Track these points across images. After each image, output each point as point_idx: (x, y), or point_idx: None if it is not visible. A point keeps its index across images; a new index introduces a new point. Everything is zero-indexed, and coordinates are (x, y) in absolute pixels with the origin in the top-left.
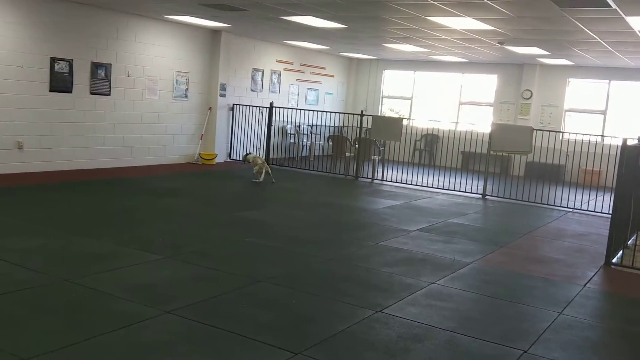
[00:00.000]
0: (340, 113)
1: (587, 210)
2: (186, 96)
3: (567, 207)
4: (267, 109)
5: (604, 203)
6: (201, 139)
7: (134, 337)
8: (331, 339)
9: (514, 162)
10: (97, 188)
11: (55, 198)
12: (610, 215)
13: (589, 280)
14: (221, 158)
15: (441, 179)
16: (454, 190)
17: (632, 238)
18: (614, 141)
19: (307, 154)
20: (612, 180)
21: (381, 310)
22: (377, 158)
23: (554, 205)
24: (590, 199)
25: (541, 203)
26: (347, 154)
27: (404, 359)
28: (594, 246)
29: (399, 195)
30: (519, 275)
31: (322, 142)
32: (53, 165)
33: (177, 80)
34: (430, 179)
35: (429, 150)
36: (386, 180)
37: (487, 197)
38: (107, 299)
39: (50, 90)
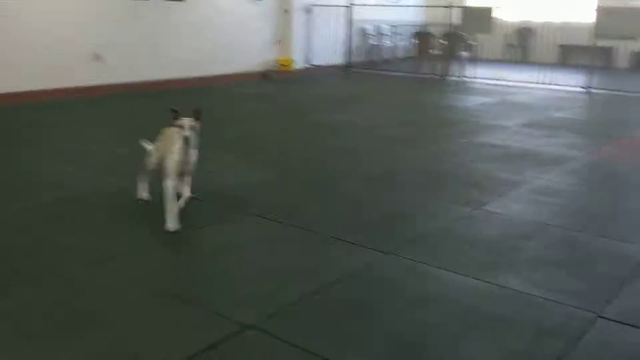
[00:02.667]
0: (425, 6)
1: None
2: None
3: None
4: (346, 8)
5: None
6: (278, 44)
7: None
8: (424, 237)
9: (618, 54)
10: (179, 97)
11: (142, 105)
12: None
13: None
14: (300, 63)
15: (538, 74)
16: (554, 84)
17: None
18: None
19: (391, 56)
20: None
21: (481, 207)
22: (466, 54)
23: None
24: None
25: None
26: (433, 52)
27: (513, 258)
28: None
29: (492, 92)
30: (638, 168)
31: (405, 43)
32: (131, 76)
33: None
34: (526, 75)
35: (523, 46)
36: (477, 78)
37: (591, 90)
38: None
39: None
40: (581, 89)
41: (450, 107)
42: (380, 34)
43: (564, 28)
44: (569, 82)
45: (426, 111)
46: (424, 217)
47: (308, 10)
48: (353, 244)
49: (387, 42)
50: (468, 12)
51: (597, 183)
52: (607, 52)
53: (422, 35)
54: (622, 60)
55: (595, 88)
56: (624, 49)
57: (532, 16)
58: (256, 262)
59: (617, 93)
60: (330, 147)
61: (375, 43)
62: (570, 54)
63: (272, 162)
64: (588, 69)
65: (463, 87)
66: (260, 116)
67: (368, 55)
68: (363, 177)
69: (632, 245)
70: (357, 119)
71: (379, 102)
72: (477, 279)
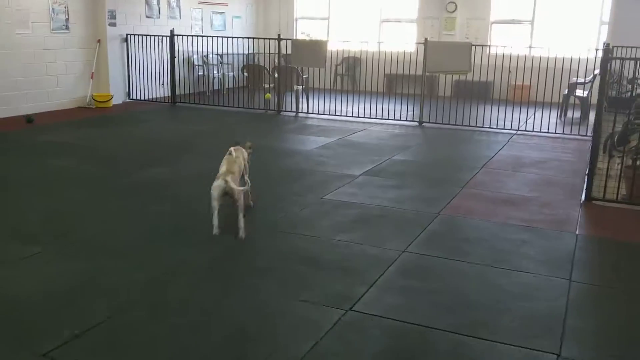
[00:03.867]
0: (254, 38)
1: (533, 131)
2: (67, 28)
3: (510, 130)
4: (168, 38)
5: (542, 121)
6: (92, 77)
7: None
8: None
9: (439, 82)
10: None
11: None
12: (591, 139)
13: (578, 223)
14: (119, 99)
15: (369, 106)
16: (387, 119)
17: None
18: (542, 53)
19: (219, 87)
20: (542, 94)
21: (351, 307)
22: (300, 88)
23: (497, 129)
24: (529, 117)
25: (483, 126)
26: (266, 85)
27: None
28: (561, 176)
29: (330, 130)
30: (498, 226)
31: (234, 73)
32: None
33: (53, 9)
34: (357, 107)
35: (351, 75)
36: (311, 113)
37: (424, 124)
38: None
39: None
40: (415, 123)
41: (292, 152)
42: (207, 64)
43: (390, 58)
44: (400, 116)
45: (267, 158)
46: (279, 339)
47: (125, 39)
48: None
49: (216, 72)
50: (300, 44)
51: (466, 252)
52: (431, 81)
53: (253, 67)
54: (444, 89)
55: (427, 122)
56: (444, 77)
57: (357, 46)
58: None
59: (449, 126)
60: (152, 220)
61: (202, 73)
62: (396, 82)
63: (86, 256)
64: (414, 98)
65: (300, 124)
66: (67, 179)
67: (196, 86)
68: (192, 270)
69: (536, 352)
70: (182, 176)
71: (210, 147)
72: None
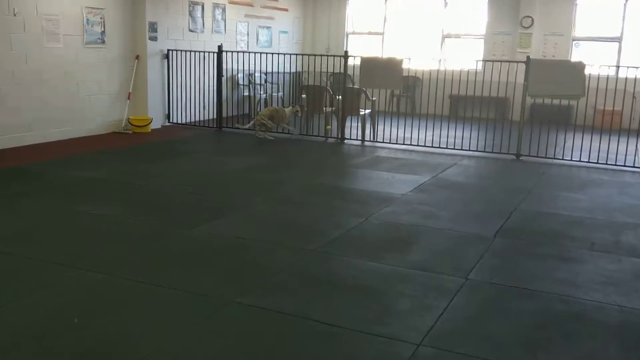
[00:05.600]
0: (309, 55)
1: None
2: (103, 41)
3: (631, 166)
4: (215, 54)
5: None
6: (129, 98)
7: None
8: None
9: (512, 105)
10: None
11: None
12: None
13: None
14: (157, 123)
15: (439, 132)
16: (473, 150)
17: None
18: (631, 74)
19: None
20: (629, 120)
21: None
22: (366, 113)
23: (620, 165)
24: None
25: (600, 162)
26: (327, 109)
27: None
28: None
29: (412, 164)
30: None
31: (280, 93)
32: None
33: (88, 19)
34: (426, 133)
35: (410, 96)
36: (378, 141)
37: (521, 157)
38: None
39: None
40: (511, 156)
41: (379, 200)
42: (252, 83)
43: (453, 78)
44: (493, 147)
45: (348, 208)
46: None
47: (166, 55)
48: None
49: (262, 93)
50: (371, 63)
51: None
52: (502, 103)
53: (314, 89)
54: (517, 112)
55: (525, 155)
56: (514, 100)
57: (417, 64)
58: None
59: (552, 161)
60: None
61: (248, 94)
62: (459, 104)
63: None
64: (486, 123)
65: (373, 158)
66: (103, 236)
67: (240, 108)
68: None
69: None
70: (247, 235)
71: (272, 185)
72: None
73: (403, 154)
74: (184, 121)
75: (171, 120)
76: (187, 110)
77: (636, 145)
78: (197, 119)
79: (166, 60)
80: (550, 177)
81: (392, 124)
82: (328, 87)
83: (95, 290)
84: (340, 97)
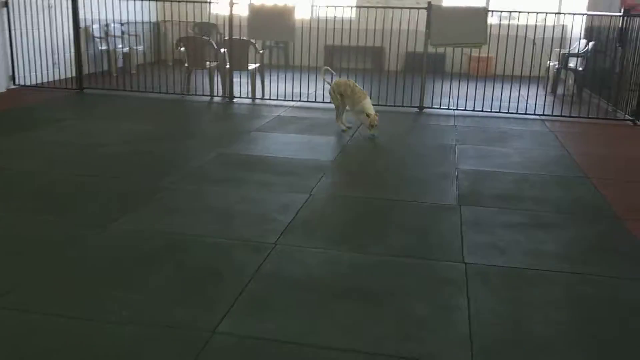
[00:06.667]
0: (171, 1)
1: (562, 116)
2: None
3: (534, 114)
4: (70, 1)
5: (537, 100)
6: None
7: None
8: None
9: (389, 55)
10: None
11: None
12: None
13: None
14: (1, 86)
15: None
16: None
17: None
18: (503, 20)
19: (123, 65)
20: (503, 67)
21: None
22: (255, 67)
23: (513, 113)
24: (513, 94)
25: (493, 110)
26: (210, 64)
27: None
28: None
29: (322, 124)
30: None
31: (142, 47)
32: None
33: None
34: (314, 88)
35: (283, 47)
36: (269, 99)
37: (424, 109)
38: None
39: None
40: (414, 109)
41: (310, 167)
42: (110, 35)
43: (327, 27)
44: (395, 100)
45: (292, 186)
46: None
47: (4, 4)
48: None
49: (120, 47)
50: (260, 11)
51: None
52: (379, 53)
53: (194, 41)
54: (395, 62)
55: (427, 107)
56: (390, 50)
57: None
58: None
59: (453, 112)
60: None
61: (106, 48)
62: (335, 55)
63: None
64: (363, 73)
65: (273, 117)
66: None
67: (98, 65)
68: None
69: None
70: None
71: (174, 156)
72: None
73: (306, 113)
74: (34, 82)
75: (17, 82)
76: (37, 70)
77: (519, 92)
78: (50, 79)
79: (5, 9)
80: (464, 130)
81: (272, 78)
82: (211, 40)
83: (10, 341)
84: (224, 50)
